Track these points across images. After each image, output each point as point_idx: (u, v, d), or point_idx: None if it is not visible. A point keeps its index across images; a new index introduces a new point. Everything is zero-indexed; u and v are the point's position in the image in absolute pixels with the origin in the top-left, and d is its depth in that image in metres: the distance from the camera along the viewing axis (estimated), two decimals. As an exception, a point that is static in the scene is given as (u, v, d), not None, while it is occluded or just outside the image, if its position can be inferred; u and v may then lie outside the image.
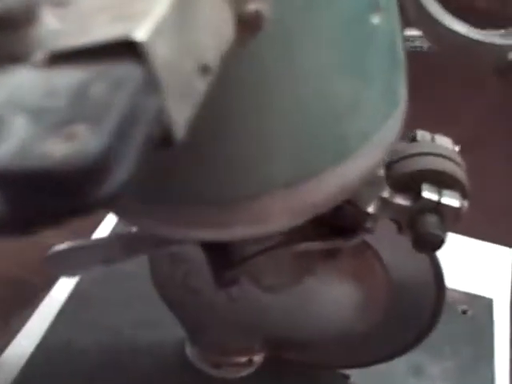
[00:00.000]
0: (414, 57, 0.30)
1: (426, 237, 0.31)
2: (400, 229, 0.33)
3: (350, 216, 0.31)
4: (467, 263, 0.58)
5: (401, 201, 0.32)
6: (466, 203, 0.32)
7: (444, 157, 0.32)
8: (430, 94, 0.72)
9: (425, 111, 0.68)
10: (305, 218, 0.27)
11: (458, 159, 0.33)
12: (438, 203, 0.31)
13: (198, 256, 0.40)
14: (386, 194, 0.32)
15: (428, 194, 0.31)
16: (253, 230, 0.26)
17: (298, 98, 0.23)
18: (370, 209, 0.31)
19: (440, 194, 0.31)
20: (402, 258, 0.38)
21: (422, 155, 0.32)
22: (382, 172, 0.32)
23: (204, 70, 0.16)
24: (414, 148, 0.33)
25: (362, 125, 0.25)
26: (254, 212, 0.25)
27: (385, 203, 0.31)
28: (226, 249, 0.33)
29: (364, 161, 0.26)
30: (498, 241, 0.61)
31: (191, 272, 0.42)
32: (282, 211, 0.25)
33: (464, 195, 0.32)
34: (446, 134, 0.67)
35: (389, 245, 0.37)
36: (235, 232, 0.26)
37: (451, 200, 0.31)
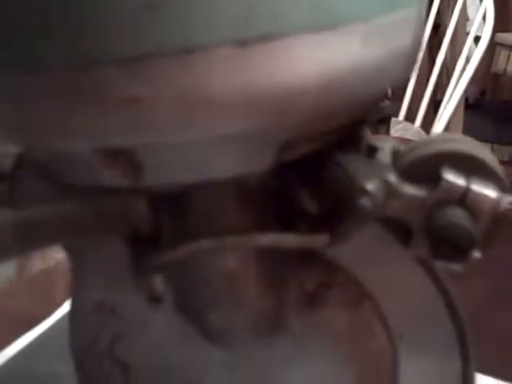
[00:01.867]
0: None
1: (447, 231, 0.20)
2: (408, 238, 0.22)
3: (339, 187, 0.21)
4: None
5: (412, 190, 0.22)
6: (506, 199, 0.21)
7: (471, 144, 0.23)
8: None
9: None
10: (267, 120, 0.17)
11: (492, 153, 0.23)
12: (466, 191, 0.21)
13: (132, 309, 0.30)
14: (392, 178, 0.22)
15: (451, 177, 0.21)
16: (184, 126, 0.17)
17: None
18: (370, 186, 0.21)
19: (469, 180, 0.21)
20: (415, 316, 0.26)
21: (442, 141, 0.23)
22: (385, 156, 0.23)
23: None
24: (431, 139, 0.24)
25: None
26: (180, 83, 0.16)
27: (390, 191, 0.22)
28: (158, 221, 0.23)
29: (357, 49, 0.17)
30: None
31: (122, 337, 0.30)
32: (229, 92, 0.16)
33: (502, 189, 0.22)
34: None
35: (399, 297, 0.26)
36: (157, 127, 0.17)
37: (485, 188, 0.21)
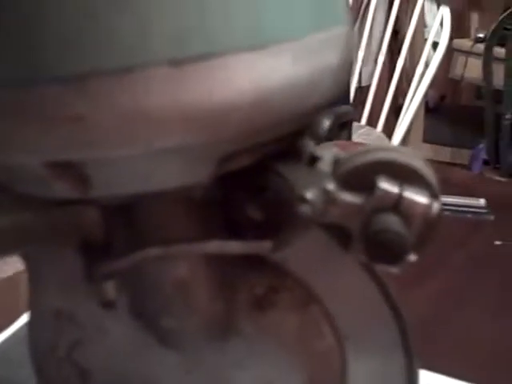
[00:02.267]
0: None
1: (382, 236, 0.22)
2: (348, 243, 0.23)
3: (280, 196, 0.22)
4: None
5: (350, 198, 0.23)
6: (436, 204, 0.23)
7: (405, 153, 0.24)
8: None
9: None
10: (204, 135, 0.18)
11: (424, 161, 0.24)
12: (399, 198, 0.22)
13: (90, 316, 0.30)
14: (330, 186, 0.23)
15: (385, 185, 0.23)
16: (123, 144, 0.18)
17: None
18: (309, 194, 0.22)
19: (401, 188, 0.23)
20: (361, 318, 0.28)
21: (377, 150, 0.24)
22: (326, 165, 0.24)
23: None
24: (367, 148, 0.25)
25: (284, 13, 0.18)
26: (122, 102, 0.17)
27: (329, 198, 0.23)
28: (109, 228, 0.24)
29: (287, 65, 0.19)
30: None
31: (80, 343, 0.31)
32: (167, 108, 0.17)
33: (433, 195, 0.23)
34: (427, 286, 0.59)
35: (346, 300, 0.28)
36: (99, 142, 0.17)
37: (416, 195, 0.23)
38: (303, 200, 0.22)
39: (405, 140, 1.56)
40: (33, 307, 0.31)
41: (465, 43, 1.66)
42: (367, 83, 1.75)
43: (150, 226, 0.24)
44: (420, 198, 0.22)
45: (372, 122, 1.57)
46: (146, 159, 0.19)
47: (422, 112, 1.71)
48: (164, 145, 0.18)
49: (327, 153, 0.25)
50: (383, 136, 1.50)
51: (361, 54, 1.58)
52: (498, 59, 1.41)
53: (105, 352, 0.30)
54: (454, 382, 0.48)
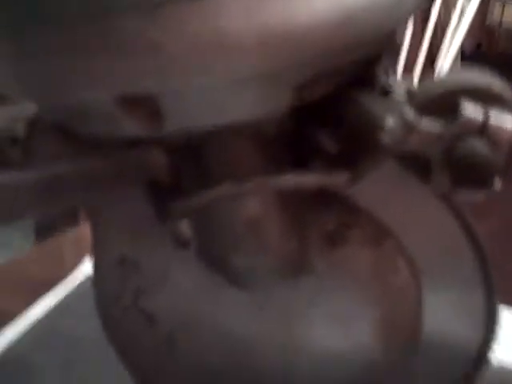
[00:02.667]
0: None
1: (470, 160, 0.21)
2: (428, 173, 0.22)
3: (357, 125, 0.21)
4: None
5: (430, 124, 0.22)
6: None
7: (484, 75, 0.23)
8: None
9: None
10: (282, 59, 0.17)
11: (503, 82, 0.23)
12: (485, 124, 0.21)
13: (155, 261, 0.30)
14: (409, 114, 0.22)
15: (469, 110, 0.21)
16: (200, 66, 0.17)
17: None
18: (390, 122, 0.21)
19: (487, 113, 0.21)
20: (438, 251, 0.27)
21: (454, 77, 0.23)
22: (400, 95, 0.23)
23: None
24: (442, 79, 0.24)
25: None
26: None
27: (408, 126, 0.22)
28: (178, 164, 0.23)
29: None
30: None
31: (146, 289, 0.31)
32: (242, 32, 0.16)
33: None
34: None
35: (421, 233, 0.27)
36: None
37: (503, 119, 0.21)
38: (383, 128, 0.21)
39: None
40: (96, 256, 0.31)
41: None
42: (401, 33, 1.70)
43: (221, 164, 0.23)
44: (508, 122, 0.21)
45: (407, 71, 1.53)
46: (220, 88, 0.18)
47: (459, 60, 1.67)
48: (240, 71, 0.17)
49: (399, 85, 0.24)
50: (419, 87, 1.46)
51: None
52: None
53: (171, 296, 0.30)
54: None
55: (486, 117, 0.21)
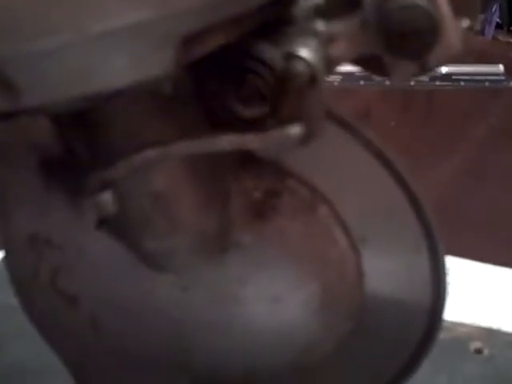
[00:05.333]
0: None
1: (403, 19, 0.17)
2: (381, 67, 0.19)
3: (267, 65, 0.18)
4: (482, 292, 0.44)
5: (347, 20, 0.18)
6: None
7: None
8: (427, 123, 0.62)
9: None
10: (155, 7, 0.13)
11: None
12: None
13: (69, 238, 0.27)
14: (320, 26, 0.18)
15: None
16: None
17: None
18: (303, 51, 0.17)
19: None
20: (377, 216, 0.24)
21: None
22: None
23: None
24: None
25: None
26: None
27: (326, 39, 0.18)
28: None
29: None
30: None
31: (63, 268, 0.28)
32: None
33: None
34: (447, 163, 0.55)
35: (356, 196, 0.24)
36: None
37: None
38: (295, 59, 0.17)
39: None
40: (5, 235, 0.27)
41: None
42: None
43: (121, 132, 0.20)
44: None
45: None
46: (80, 50, 0.14)
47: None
48: (100, 28, 0.13)
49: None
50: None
51: None
52: None
53: (89, 275, 0.27)
54: (479, 265, 0.46)
55: None
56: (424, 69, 0.18)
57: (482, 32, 1.64)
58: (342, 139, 0.22)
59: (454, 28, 0.17)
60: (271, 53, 0.18)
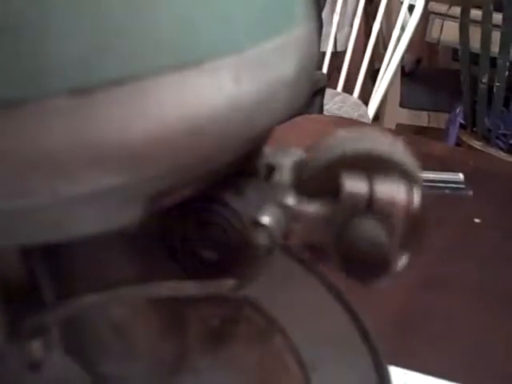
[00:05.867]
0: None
1: (357, 248, 0.18)
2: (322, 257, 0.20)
3: (233, 231, 0.19)
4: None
5: (314, 208, 0.19)
6: (417, 193, 0.19)
7: (370, 138, 0.20)
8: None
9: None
10: (122, 176, 0.15)
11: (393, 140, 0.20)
12: (370, 196, 0.19)
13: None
14: (290, 201, 0.19)
15: (350, 184, 0.19)
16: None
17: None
18: (265, 219, 0.19)
19: (371, 183, 0.19)
20: (329, 348, 0.25)
21: (342, 141, 0.20)
22: (284, 174, 0.20)
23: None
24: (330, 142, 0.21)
25: (219, 22, 0.15)
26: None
27: (291, 215, 0.19)
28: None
29: (227, 84, 0.15)
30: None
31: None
32: (70, 149, 0.14)
33: (412, 180, 0.19)
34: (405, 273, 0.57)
35: (308, 326, 0.25)
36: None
37: (390, 188, 0.19)
38: (258, 226, 0.18)
39: (381, 105, 1.53)
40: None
41: (441, 6, 1.62)
42: (343, 48, 1.70)
43: (83, 270, 0.21)
44: (395, 192, 0.18)
45: (348, 88, 1.53)
46: (52, 209, 0.15)
47: (399, 76, 1.67)
48: (73, 192, 0.14)
49: (287, 158, 0.21)
50: (359, 102, 1.46)
51: (336, 17, 1.53)
52: (475, 22, 1.37)
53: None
54: (433, 381, 0.46)
55: (371, 189, 0.19)
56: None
57: (446, 132, 1.71)
58: (303, 276, 0.23)
59: (397, 262, 0.19)
60: (236, 204, 0.19)
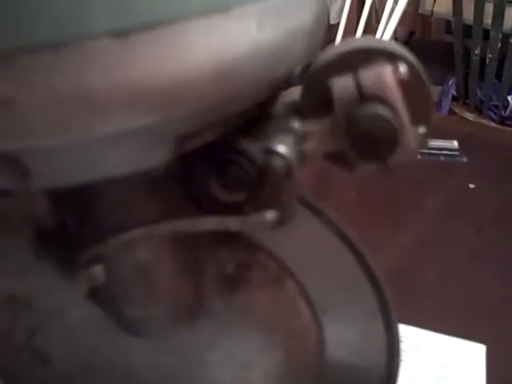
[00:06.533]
0: None
1: (366, 129, 0.19)
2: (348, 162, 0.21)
3: (248, 158, 0.20)
4: (433, 360, 0.46)
5: (318, 123, 0.20)
6: (403, 66, 0.19)
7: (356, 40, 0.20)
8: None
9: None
10: (154, 116, 0.16)
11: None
12: (360, 87, 0.19)
13: (47, 301, 0.28)
14: (296, 125, 0.20)
15: (338, 84, 0.19)
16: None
17: None
18: (281, 147, 0.20)
19: (356, 75, 0.19)
20: (338, 291, 0.26)
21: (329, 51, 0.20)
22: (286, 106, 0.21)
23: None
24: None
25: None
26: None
27: (300, 137, 0.20)
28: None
29: (252, 30, 0.16)
30: (467, 337, 0.50)
31: (39, 330, 0.29)
32: (108, 88, 0.15)
33: (398, 58, 0.19)
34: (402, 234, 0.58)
35: (318, 271, 0.26)
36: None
37: (374, 71, 0.19)
38: (274, 155, 0.19)
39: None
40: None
41: (434, -23, 1.62)
42: (336, 21, 1.70)
43: (112, 211, 0.22)
44: (379, 73, 0.19)
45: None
46: (88, 147, 0.16)
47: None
48: (108, 130, 0.16)
49: (283, 100, 0.22)
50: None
51: (328, -10, 1.53)
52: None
53: (66, 338, 0.28)
54: (430, 335, 0.48)
55: (357, 80, 0.19)
56: (384, 168, 0.20)
57: (439, 104, 1.72)
58: (309, 220, 0.25)
59: (413, 135, 0.20)
60: (252, 147, 0.20)
